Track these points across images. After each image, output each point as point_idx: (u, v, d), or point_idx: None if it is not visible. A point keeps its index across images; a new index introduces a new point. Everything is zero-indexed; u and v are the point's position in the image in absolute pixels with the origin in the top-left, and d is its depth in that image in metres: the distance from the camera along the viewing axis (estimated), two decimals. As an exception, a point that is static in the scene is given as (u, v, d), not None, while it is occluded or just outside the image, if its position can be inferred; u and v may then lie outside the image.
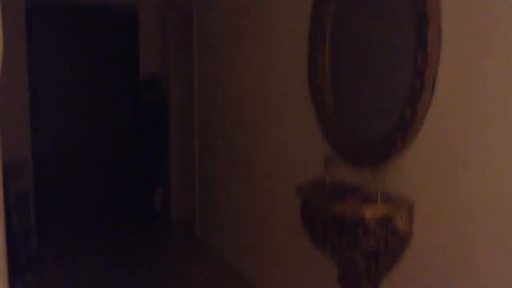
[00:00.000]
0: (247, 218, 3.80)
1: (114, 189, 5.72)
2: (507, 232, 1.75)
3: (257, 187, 3.59)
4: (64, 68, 5.44)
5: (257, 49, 3.54)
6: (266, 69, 3.41)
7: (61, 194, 5.42)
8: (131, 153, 5.61)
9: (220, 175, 4.28)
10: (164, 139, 5.53)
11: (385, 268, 2.23)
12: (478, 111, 1.85)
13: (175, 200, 5.46)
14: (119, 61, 5.68)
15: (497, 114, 1.78)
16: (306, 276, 3.00)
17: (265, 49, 3.41)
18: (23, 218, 3.85)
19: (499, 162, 1.78)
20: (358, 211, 2.14)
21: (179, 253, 4.52)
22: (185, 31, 4.96)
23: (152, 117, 5.47)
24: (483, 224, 1.85)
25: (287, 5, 3.09)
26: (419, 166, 2.11)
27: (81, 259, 4.27)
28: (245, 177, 3.78)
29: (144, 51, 5.68)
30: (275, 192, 3.33)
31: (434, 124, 2.03)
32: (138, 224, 5.42)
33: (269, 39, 3.36)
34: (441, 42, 1.96)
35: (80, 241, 4.79)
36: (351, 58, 2.53)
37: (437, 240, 2.04)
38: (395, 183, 2.22)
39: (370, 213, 2.12)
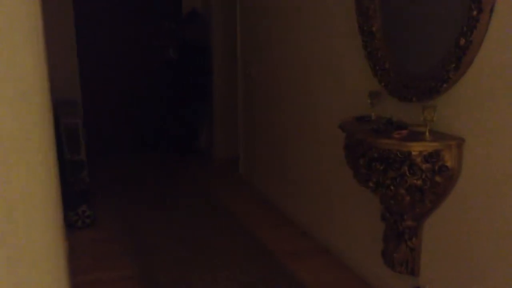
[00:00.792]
0: (290, 155, 3.78)
1: (159, 125, 5.83)
2: None
3: (301, 123, 3.54)
4: (107, 7, 5.43)
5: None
6: (314, 1, 3.25)
7: (109, 131, 5.59)
8: (175, 90, 5.64)
9: (264, 112, 4.24)
10: (207, 75, 5.51)
11: (430, 206, 2.17)
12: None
13: (219, 138, 5.51)
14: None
15: None
16: (349, 213, 2.98)
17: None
18: (74, 152, 3.99)
19: None
20: (404, 148, 2.06)
21: (222, 189, 4.61)
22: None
23: (195, 54, 5.43)
24: (540, 162, 1.73)
25: None
26: (471, 100, 1.98)
27: (130, 193, 4.44)
28: (289, 113, 3.73)
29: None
30: (319, 128, 3.27)
31: (490, 54, 1.88)
32: (184, 161, 5.54)
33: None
34: (505, -39, 1.77)
35: (128, 176, 4.97)
36: (403, -16, 2.35)
37: (487, 179, 1.95)
38: (445, 119, 2.11)
39: (417, 149, 2.04)
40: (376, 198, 2.43)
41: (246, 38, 4.53)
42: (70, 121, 4.03)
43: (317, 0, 3.17)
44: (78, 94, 5.21)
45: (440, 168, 2.03)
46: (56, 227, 2.34)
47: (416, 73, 2.25)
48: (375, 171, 2.17)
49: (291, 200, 3.80)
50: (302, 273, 2.96)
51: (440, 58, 2.07)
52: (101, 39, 5.45)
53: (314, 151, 3.38)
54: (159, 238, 3.46)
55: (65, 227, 3.33)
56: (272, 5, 3.90)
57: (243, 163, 4.87)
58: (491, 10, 1.85)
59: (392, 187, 2.14)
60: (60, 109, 4.27)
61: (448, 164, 2.04)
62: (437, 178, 2.06)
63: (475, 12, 1.88)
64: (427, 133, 2.05)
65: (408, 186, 2.09)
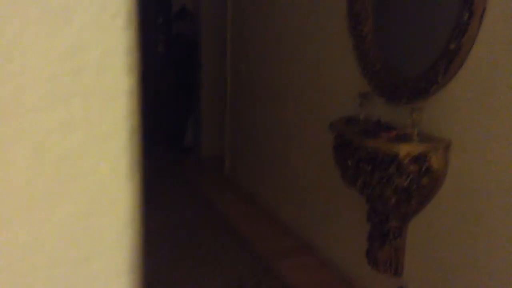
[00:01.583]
0: (276, 154, 3.79)
1: (146, 120, 5.78)
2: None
3: (289, 123, 3.55)
4: None
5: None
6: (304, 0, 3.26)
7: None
8: (163, 86, 5.61)
9: (251, 110, 4.24)
10: (196, 72, 5.49)
11: (415, 207, 2.19)
12: (532, 45, 1.72)
13: (206, 135, 5.50)
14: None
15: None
16: (335, 213, 3.00)
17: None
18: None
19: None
20: (392, 149, 2.08)
21: (207, 187, 4.60)
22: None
23: (184, 49, 5.41)
24: (525, 166, 1.76)
25: None
26: (459, 104, 2.01)
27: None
28: (277, 112, 3.73)
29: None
30: (307, 127, 3.28)
31: (480, 58, 1.90)
32: (169, 158, 5.51)
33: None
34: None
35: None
36: (394, -13, 2.37)
37: (472, 181, 1.97)
38: (433, 121, 2.13)
39: (405, 150, 2.05)
40: (362, 199, 2.45)
41: (236, 35, 4.53)
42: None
43: (309, 0, 3.18)
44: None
45: (426, 170, 2.05)
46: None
47: (406, 75, 2.27)
48: (363, 171, 2.19)
49: (276, 199, 3.81)
50: (286, 272, 2.96)
51: (430, 61, 2.09)
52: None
53: (301, 150, 3.39)
54: (144, 236, 3.43)
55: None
56: (263, 3, 3.90)
57: (229, 161, 4.86)
58: (482, 15, 1.87)
59: (378, 188, 2.15)
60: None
61: (435, 166, 2.06)
62: (424, 180, 2.08)
63: (466, 17, 1.90)
64: (414, 135, 2.07)
65: (395, 187, 2.11)
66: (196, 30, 5.40)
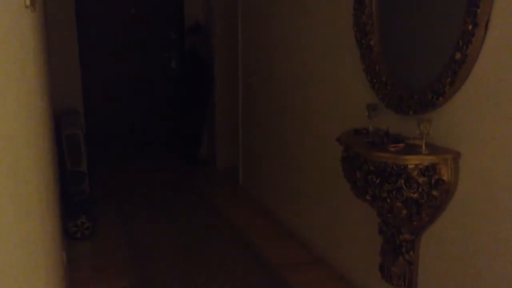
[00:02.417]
0: (289, 166, 3.78)
1: (161, 134, 5.85)
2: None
3: (300, 135, 3.55)
4: (110, 18, 5.48)
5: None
6: (311, 12, 3.27)
7: (112, 140, 5.61)
8: (178, 100, 5.67)
9: (263, 123, 4.25)
10: (209, 86, 5.54)
11: (427, 220, 2.16)
12: (538, 54, 1.69)
13: (220, 148, 5.52)
14: (164, 8, 5.66)
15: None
16: (348, 225, 2.97)
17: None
18: (75, 163, 4.01)
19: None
20: (400, 161, 2.06)
21: (221, 199, 4.62)
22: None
23: (197, 64, 5.46)
24: (536, 176, 1.73)
25: None
26: (468, 114, 1.98)
27: (131, 203, 4.45)
28: (288, 124, 3.74)
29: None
30: (318, 139, 3.28)
31: (486, 68, 1.88)
32: (185, 170, 5.55)
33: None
34: (498, -23, 1.78)
35: (129, 186, 4.98)
36: (399, -2, 2.37)
37: (484, 192, 1.94)
38: (441, 132, 2.11)
39: (413, 162, 2.04)
40: (373, 211, 2.43)
41: (246, 50, 4.56)
42: (71, 132, 4.05)
43: (316, 13, 3.19)
44: (80, 104, 5.25)
45: (436, 182, 2.03)
46: (53, 237, 2.35)
47: (413, 86, 2.25)
48: (372, 184, 2.17)
49: (290, 211, 3.80)
50: (301, 286, 2.95)
51: (437, 72, 2.08)
52: (104, 49, 5.50)
53: (313, 162, 3.38)
54: (159, 250, 3.46)
55: (64, 238, 3.34)
56: (272, 18, 3.92)
57: (243, 173, 4.87)
58: (487, 25, 1.86)
59: (388, 200, 2.13)
60: (62, 119, 4.31)
61: (445, 177, 2.03)
62: (434, 192, 2.06)
63: (470, 27, 1.89)
64: (423, 147, 2.05)
65: (405, 199, 2.08)
66: (208, 45, 5.46)
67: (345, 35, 2.77)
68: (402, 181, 2.06)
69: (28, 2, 1.13)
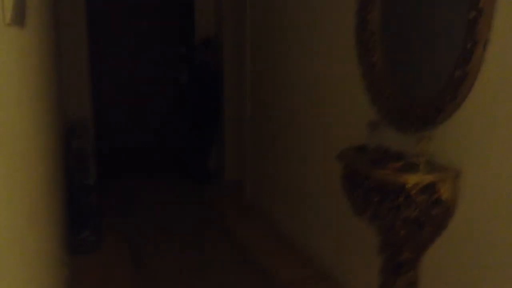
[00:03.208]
0: (293, 182, 3.77)
1: (171, 148, 5.88)
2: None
3: (303, 151, 3.54)
4: (122, 31, 5.56)
5: (306, 9, 3.40)
6: (315, 28, 3.28)
7: (120, 153, 5.65)
8: (187, 113, 5.70)
9: (270, 139, 4.25)
10: (218, 101, 5.56)
11: (428, 238, 2.13)
12: (536, 72, 1.67)
13: (228, 162, 5.53)
14: (175, 23, 5.72)
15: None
16: (349, 243, 2.94)
17: (314, 9, 3.27)
18: (83, 175, 4.04)
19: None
20: (399, 180, 2.04)
21: (227, 213, 4.61)
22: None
23: (207, 78, 5.50)
24: (535, 197, 1.69)
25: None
26: (468, 132, 1.96)
27: (137, 217, 4.46)
28: (293, 141, 3.73)
29: (200, 13, 5.67)
30: (320, 156, 3.27)
31: (485, 87, 1.87)
32: (193, 183, 5.56)
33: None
34: (496, -3, 1.77)
35: (137, 200, 5.00)
36: (401, 16, 2.36)
37: (484, 211, 1.91)
38: (441, 150, 2.08)
39: (412, 181, 2.01)
40: (374, 229, 2.40)
41: (255, 64, 4.58)
42: (79, 146, 4.09)
43: (320, 30, 3.20)
44: (90, 116, 5.31)
45: (435, 201, 2.00)
46: (57, 250, 2.36)
47: (414, 103, 2.24)
48: (371, 202, 2.15)
49: (296, 226, 3.77)
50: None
51: (437, 89, 2.06)
52: (115, 61, 5.56)
53: (315, 178, 3.36)
54: (163, 264, 3.46)
55: (68, 251, 3.36)
56: (278, 34, 3.94)
57: (250, 188, 4.87)
58: (486, 43, 1.84)
59: (388, 218, 2.11)
60: (71, 132, 4.36)
61: (444, 196, 2.00)
62: (433, 210, 2.03)
63: (469, 45, 1.88)
64: (422, 165, 2.03)
65: (404, 218, 2.06)
66: (219, 59, 5.50)
67: (347, 52, 2.77)
68: (402, 199, 2.04)
69: (8, 20, 1.13)
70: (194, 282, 3.19)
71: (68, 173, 3.92)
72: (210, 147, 5.79)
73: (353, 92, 2.76)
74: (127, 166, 5.68)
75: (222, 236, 4.04)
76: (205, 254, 3.66)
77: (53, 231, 2.41)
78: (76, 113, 4.93)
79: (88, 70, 5.24)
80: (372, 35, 2.52)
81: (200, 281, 3.20)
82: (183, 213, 4.63)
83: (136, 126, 5.74)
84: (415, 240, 2.14)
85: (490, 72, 1.85)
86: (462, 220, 2.02)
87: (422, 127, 2.15)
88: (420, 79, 2.26)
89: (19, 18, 1.37)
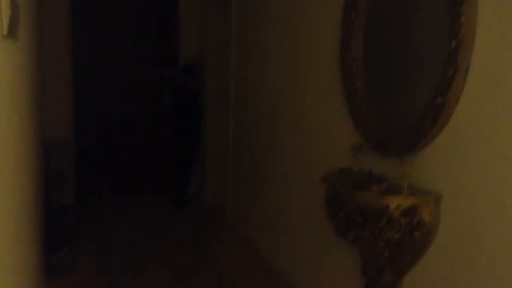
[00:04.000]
0: (274, 205, 3.78)
1: (152, 169, 5.83)
2: (539, 229, 1.65)
3: (286, 173, 3.56)
4: (105, 52, 5.56)
5: (291, 34, 3.48)
6: (299, 55, 3.35)
7: (101, 172, 5.58)
8: (169, 136, 5.69)
9: (252, 162, 4.27)
10: (199, 124, 5.58)
11: (409, 261, 2.16)
12: (514, 100, 1.74)
13: (209, 185, 5.51)
14: (159, 45, 5.76)
15: (534, 103, 1.67)
16: (331, 266, 2.95)
17: (299, 34, 3.35)
18: (60, 194, 3.98)
19: (534, 154, 1.67)
20: (382, 201, 2.07)
21: (208, 236, 4.57)
22: (224, 17, 4.96)
23: (188, 100, 5.52)
24: (514, 220, 1.74)
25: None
26: (449, 157, 2.02)
27: (115, 237, 4.39)
28: (275, 163, 3.76)
29: (185, 35, 5.73)
30: (302, 178, 3.29)
31: (466, 113, 1.93)
32: (172, 205, 5.51)
33: (303, 24, 3.30)
34: (476, 26, 1.85)
35: (116, 220, 4.93)
36: (384, 43, 2.45)
37: (465, 234, 1.95)
38: (423, 174, 2.13)
39: (395, 204, 2.05)
40: (357, 251, 2.42)
41: (238, 87, 4.63)
42: (58, 164, 4.04)
43: (304, 55, 3.27)
44: (71, 135, 5.24)
45: (418, 223, 2.04)
46: (33, 270, 2.30)
47: (396, 128, 2.30)
48: (354, 223, 2.18)
49: (276, 249, 3.76)
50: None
51: (419, 114, 2.12)
52: (98, 80, 5.55)
53: (299, 200, 3.38)
54: (139, 285, 3.40)
55: (44, 270, 3.27)
56: (262, 58, 4.01)
57: (230, 211, 4.85)
58: (467, 70, 1.91)
59: (370, 241, 2.13)
60: (51, 150, 4.30)
61: (426, 219, 2.04)
62: (416, 233, 2.06)
63: (451, 72, 1.95)
64: (405, 188, 2.07)
65: (387, 240, 2.09)
66: (200, 82, 5.55)
67: (331, 76, 2.84)
68: (384, 221, 2.07)
69: (5, 32, 1.13)
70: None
71: (46, 191, 3.85)
72: (190, 170, 5.78)
73: (337, 116, 2.81)
74: (107, 186, 5.61)
75: (201, 258, 4.00)
76: (183, 277, 3.61)
77: (30, 249, 2.36)
78: (56, 131, 4.87)
79: (70, 87, 5.21)
80: (355, 61, 2.59)
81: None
82: (161, 234, 4.58)
83: (118, 146, 5.69)
84: (397, 262, 2.16)
85: (470, 99, 1.91)
86: (442, 243, 2.06)
87: (404, 152, 2.20)
88: (401, 106, 2.32)
89: (14, 30, 1.38)
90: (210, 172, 5.51)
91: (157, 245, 4.28)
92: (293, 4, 3.45)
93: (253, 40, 4.24)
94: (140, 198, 5.67)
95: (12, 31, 1.36)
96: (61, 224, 3.93)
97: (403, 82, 2.29)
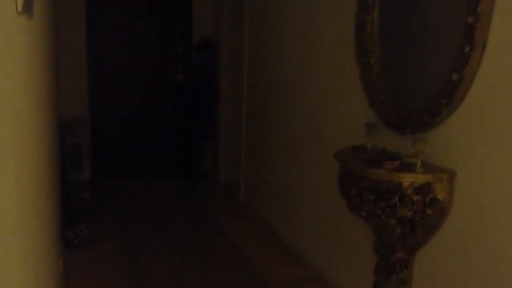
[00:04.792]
0: (288, 181, 3.80)
1: (167, 146, 5.88)
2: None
3: (299, 151, 3.57)
4: (120, 29, 5.56)
5: (305, 11, 3.44)
6: (313, 32, 3.32)
7: (117, 151, 5.64)
8: (182, 113, 5.71)
9: (265, 139, 4.28)
10: (214, 102, 5.59)
11: (421, 238, 2.16)
12: (532, 77, 1.71)
13: (224, 162, 5.55)
14: (173, 22, 5.74)
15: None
16: (343, 242, 2.97)
17: (313, 11, 3.31)
18: (77, 171, 4.05)
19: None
20: (395, 179, 2.07)
21: (221, 213, 4.63)
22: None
23: (203, 79, 5.52)
24: (528, 198, 1.73)
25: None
26: (463, 134, 2.00)
27: (131, 214, 4.47)
28: (289, 141, 3.76)
29: (198, 13, 5.69)
30: (316, 156, 3.30)
31: (483, 90, 1.91)
32: (186, 183, 5.57)
33: (317, 0, 3.26)
34: (494, 1, 1.81)
35: (131, 197, 5.00)
36: (400, 19, 2.41)
37: (479, 212, 1.94)
38: (437, 151, 2.12)
39: (408, 180, 2.05)
40: (369, 229, 2.43)
41: (252, 65, 4.62)
42: (74, 141, 4.09)
43: (318, 31, 3.24)
44: (87, 112, 5.30)
45: (431, 200, 2.04)
46: (50, 244, 2.36)
47: (411, 105, 2.28)
48: (367, 200, 2.18)
49: (289, 226, 3.80)
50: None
51: (434, 92, 2.10)
52: (113, 60, 5.56)
53: (312, 178, 3.39)
54: (156, 260, 3.47)
55: (62, 245, 3.36)
56: (276, 35, 3.98)
57: (244, 188, 4.89)
58: (483, 47, 1.88)
59: (383, 218, 2.14)
60: (66, 127, 4.36)
61: (439, 196, 2.04)
62: (428, 210, 2.06)
63: (467, 48, 1.91)
64: (418, 165, 2.06)
65: (399, 217, 2.09)
66: (215, 60, 5.53)
67: (346, 53, 2.81)
68: (397, 199, 2.07)
69: (20, 8, 1.14)
70: (185, 276, 3.20)
71: (63, 168, 3.92)
72: (204, 147, 5.81)
73: (351, 93, 2.79)
74: (122, 164, 5.67)
75: (215, 234, 4.06)
76: (197, 250, 3.67)
77: (49, 224, 2.41)
78: (73, 109, 4.93)
79: (85, 65, 5.25)
80: (370, 37, 2.56)
81: (192, 275, 3.22)
82: (177, 210, 4.65)
83: (133, 124, 5.73)
84: (408, 239, 2.17)
85: (486, 76, 1.89)
86: (456, 221, 2.06)
87: (418, 130, 2.18)
88: (417, 82, 2.30)
89: (29, 7, 1.39)
90: (224, 150, 5.53)
91: (171, 219, 4.34)
92: (308, -20, 3.40)
93: (267, 17, 4.20)
94: (155, 175, 5.73)
95: (27, 8, 1.37)
96: (78, 200, 4.01)
97: (419, 58, 2.26)
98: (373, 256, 2.45)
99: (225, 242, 3.89)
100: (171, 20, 5.72)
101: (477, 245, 1.95)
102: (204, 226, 4.24)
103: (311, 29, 3.34)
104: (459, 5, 1.94)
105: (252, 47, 4.61)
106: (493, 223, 1.87)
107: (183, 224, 4.27)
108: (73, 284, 3.05)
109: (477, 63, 1.90)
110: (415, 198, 2.05)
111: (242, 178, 4.91)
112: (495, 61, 1.85)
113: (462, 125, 2.01)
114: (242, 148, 4.88)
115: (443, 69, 2.04)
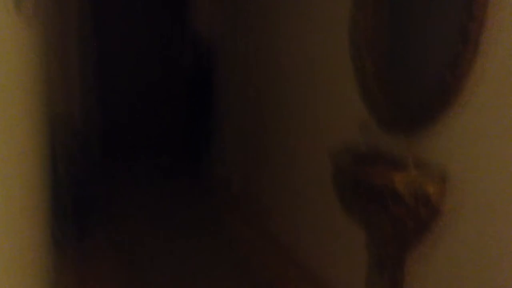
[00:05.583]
0: (281, 178, 3.80)
1: (166, 142, 5.87)
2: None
3: (294, 149, 3.57)
4: (120, 22, 5.55)
5: (302, 9, 3.43)
6: (308, 27, 3.31)
7: (116, 143, 5.62)
8: (184, 110, 5.74)
9: (260, 135, 4.28)
10: (213, 97, 5.62)
11: (414, 238, 2.17)
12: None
13: (219, 159, 5.55)
14: (168, 15, 5.73)
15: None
16: (336, 241, 2.98)
17: (309, 10, 3.30)
18: (68, 167, 4.01)
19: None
20: (387, 177, 2.07)
21: (215, 207, 4.62)
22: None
23: (200, 85, 5.56)
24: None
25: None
26: (457, 134, 2.00)
27: (124, 210, 4.45)
28: (283, 139, 3.76)
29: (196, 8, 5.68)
30: (310, 154, 3.30)
31: (477, 90, 1.90)
32: (183, 180, 5.58)
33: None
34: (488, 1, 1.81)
35: (126, 193, 4.99)
36: (394, 18, 2.40)
37: (471, 213, 1.94)
38: (431, 152, 2.12)
39: (400, 179, 2.04)
40: (362, 228, 2.43)
41: (247, 60, 4.61)
42: (65, 137, 4.06)
43: (313, 29, 3.23)
44: (79, 108, 5.26)
45: (423, 200, 2.04)
46: (39, 242, 2.34)
47: (404, 105, 2.27)
48: (360, 199, 2.18)
49: (281, 223, 3.79)
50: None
51: (427, 92, 2.10)
52: (121, 51, 5.54)
53: (304, 175, 3.39)
54: (148, 256, 3.46)
55: (52, 242, 3.34)
56: (272, 31, 3.97)
57: (237, 182, 4.89)
58: (477, 45, 1.88)
59: (375, 216, 2.14)
60: (58, 123, 4.32)
61: (432, 196, 2.04)
62: (421, 210, 2.06)
63: (460, 47, 1.91)
64: (411, 165, 2.06)
65: (391, 216, 2.09)
66: (211, 64, 5.54)
67: (340, 53, 2.80)
68: (389, 197, 2.07)
69: (11, 6, 1.12)
70: (178, 275, 3.19)
71: (55, 162, 3.89)
72: (203, 145, 5.81)
73: (345, 92, 2.79)
74: (122, 157, 5.65)
75: (209, 229, 4.06)
76: (192, 248, 3.67)
77: (41, 218, 2.40)
78: (67, 104, 4.88)
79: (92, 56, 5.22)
80: (364, 34, 2.55)
81: (183, 267, 3.22)
82: (171, 205, 4.64)
83: (132, 119, 5.72)
84: (400, 238, 2.17)
85: (481, 77, 1.88)
86: (448, 222, 2.06)
87: (413, 130, 2.18)
88: (410, 82, 2.30)
89: (19, 4, 1.37)
90: (221, 147, 5.54)
91: (164, 215, 4.34)
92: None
93: (264, 15, 4.18)
94: (153, 172, 5.72)
95: (18, 5, 1.35)
96: (71, 196, 3.98)
97: (413, 58, 2.26)
98: (365, 254, 2.45)
99: (220, 240, 3.89)
100: (167, 13, 5.70)
101: (470, 246, 1.95)
102: (200, 223, 4.23)
103: (307, 25, 3.33)
104: (454, 5, 1.93)
105: (247, 43, 4.59)
106: (486, 223, 1.87)
107: (176, 219, 4.27)
108: (62, 282, 3.03)
109: (470, 63, 1.90)
110: (407, 196, 2.04)
111: (236, 173, 4.91)
112: (489, 61, 1.85)
113: (455, 125, 2.01)
114: (237, 145, 4.88)
115: (437, 68, 2.04)
